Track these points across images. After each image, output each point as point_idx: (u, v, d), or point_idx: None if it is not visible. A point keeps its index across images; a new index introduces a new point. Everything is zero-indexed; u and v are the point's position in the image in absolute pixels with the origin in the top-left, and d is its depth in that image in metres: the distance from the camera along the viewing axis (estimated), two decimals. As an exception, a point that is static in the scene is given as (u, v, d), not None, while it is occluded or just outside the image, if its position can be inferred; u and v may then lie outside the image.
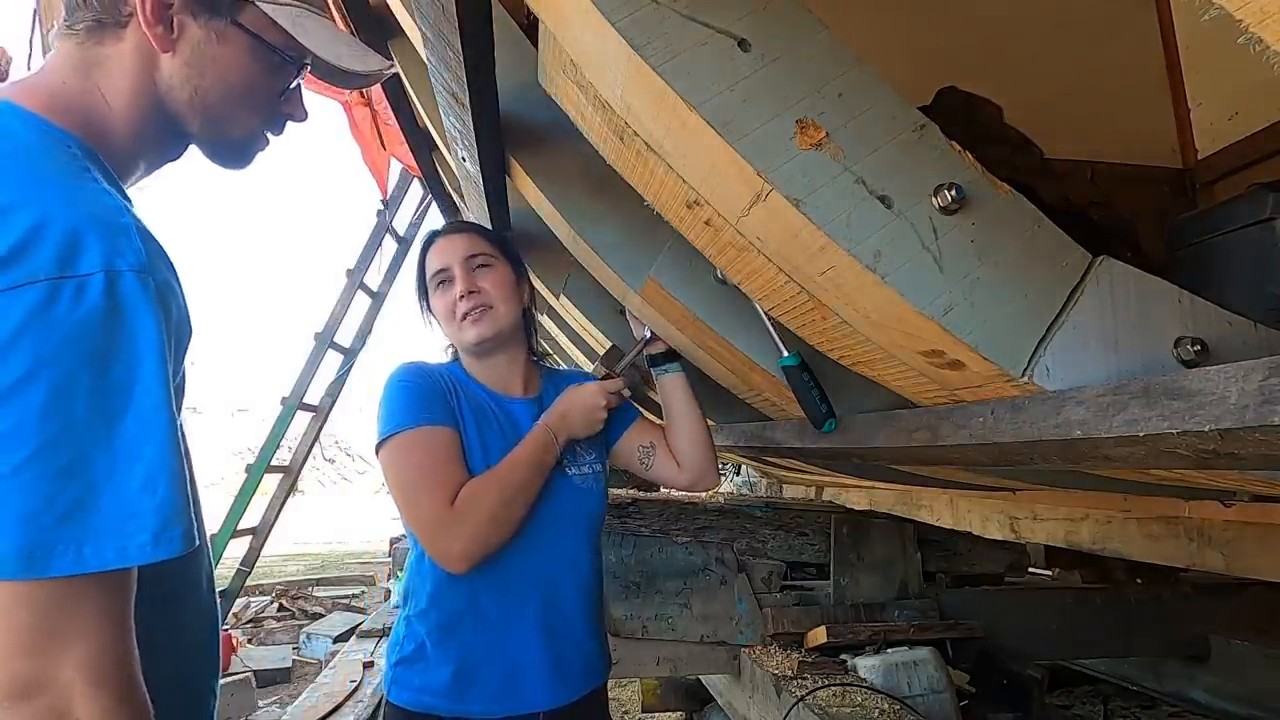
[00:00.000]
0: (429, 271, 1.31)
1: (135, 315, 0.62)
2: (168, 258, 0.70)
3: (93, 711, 0.58)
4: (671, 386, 1.42)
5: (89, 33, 0.76)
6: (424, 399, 1.20)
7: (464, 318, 1.26)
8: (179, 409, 0.76)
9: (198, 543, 0.66)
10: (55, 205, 0.62)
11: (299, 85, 0.87)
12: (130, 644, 0.63)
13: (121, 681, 0.61)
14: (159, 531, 0.61)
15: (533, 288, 1.42)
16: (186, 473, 0.65)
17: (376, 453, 1.20)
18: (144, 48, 0.76)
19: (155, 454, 0.61)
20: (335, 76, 0.88)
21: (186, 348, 0.72)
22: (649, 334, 1.47)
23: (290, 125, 0.90)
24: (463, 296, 1.26)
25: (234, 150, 0.85)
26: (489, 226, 1.52)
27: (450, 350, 1.38)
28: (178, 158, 0.86)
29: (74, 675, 0.58)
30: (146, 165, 0.83)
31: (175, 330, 0.67)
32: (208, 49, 0.77)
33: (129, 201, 0.76)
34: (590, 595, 1.30)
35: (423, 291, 1.34)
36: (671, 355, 1.43)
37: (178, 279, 0.70)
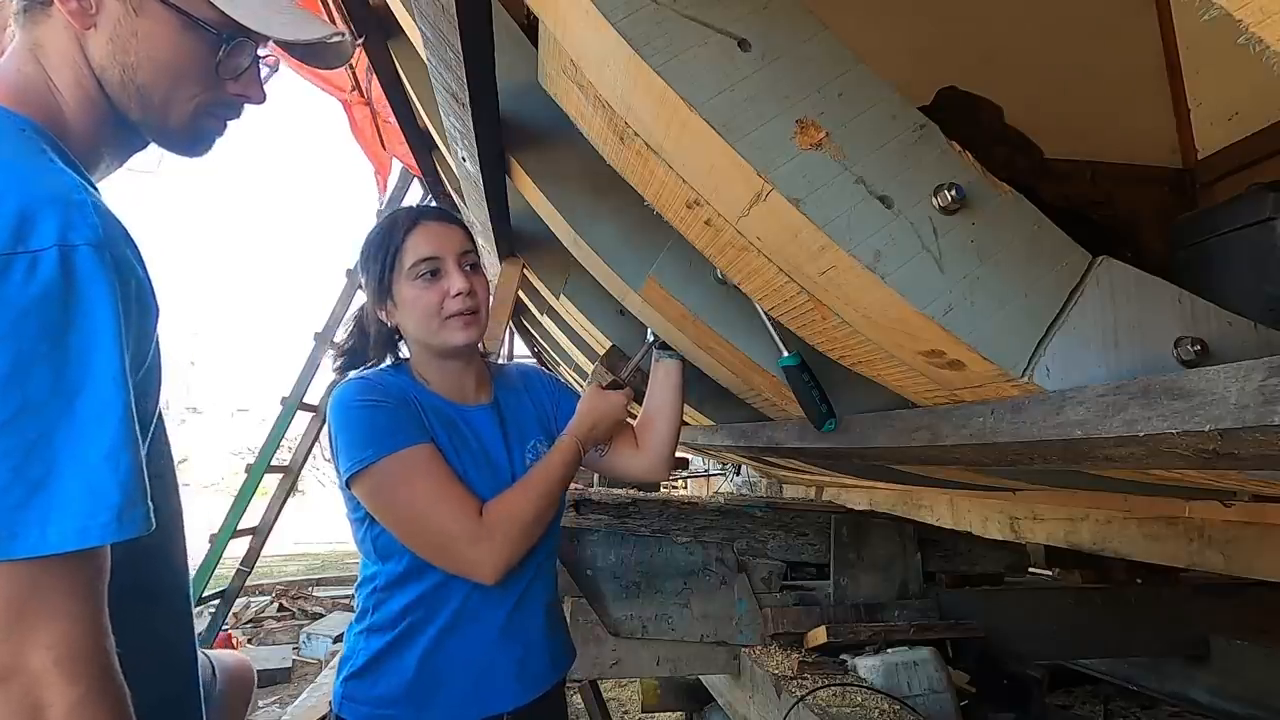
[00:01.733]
0: (411, 255, 1.17)
1: (91, 289, 0.60)
2: (128, 235, 0.68)
3: (66, 699, 0.57)
4: (670, 372, 1.41)
5: (25, 14, 0.75)
6: (400, 417, 1.13)
7: (453, 317, 1.17)
8: (159, 389, 0.74)
9: (154, 526, 0.63)
10: (7, 182, 0.61)
11: (253, 64, 0.82)
12: (103, 627, 0.61)
13: (95, 666, 0.59)
14: (122, 509, 0.59)
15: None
16: (143, 453, 0.63)
17: (351, 480, 1.10)
18: (70, 27, 0.74)
19: (115, 430, 0.60)
20: (286, 50, 0.84)
21: (154, 325, 0.70)
22: (652, 337, 1.47)
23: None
24: (459, 294, 1.16)
25: (182, 136, 0.81)
26: (490, 226, 1.50)
27: (343, 361, 1.28)
28: (142, 148, 0.83)
29: (45, 661, 0.56)
30: (110, 157, 0.81)
31: (137, 306, 0.66)
32: (127, 23, 0.74)
33: (94, 188, 0.74)
34: (551, 591, 1.28)
35: (386, 272, 1.19)
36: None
37: (139, 256, 0.68)
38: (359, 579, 1.22)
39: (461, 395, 1.25)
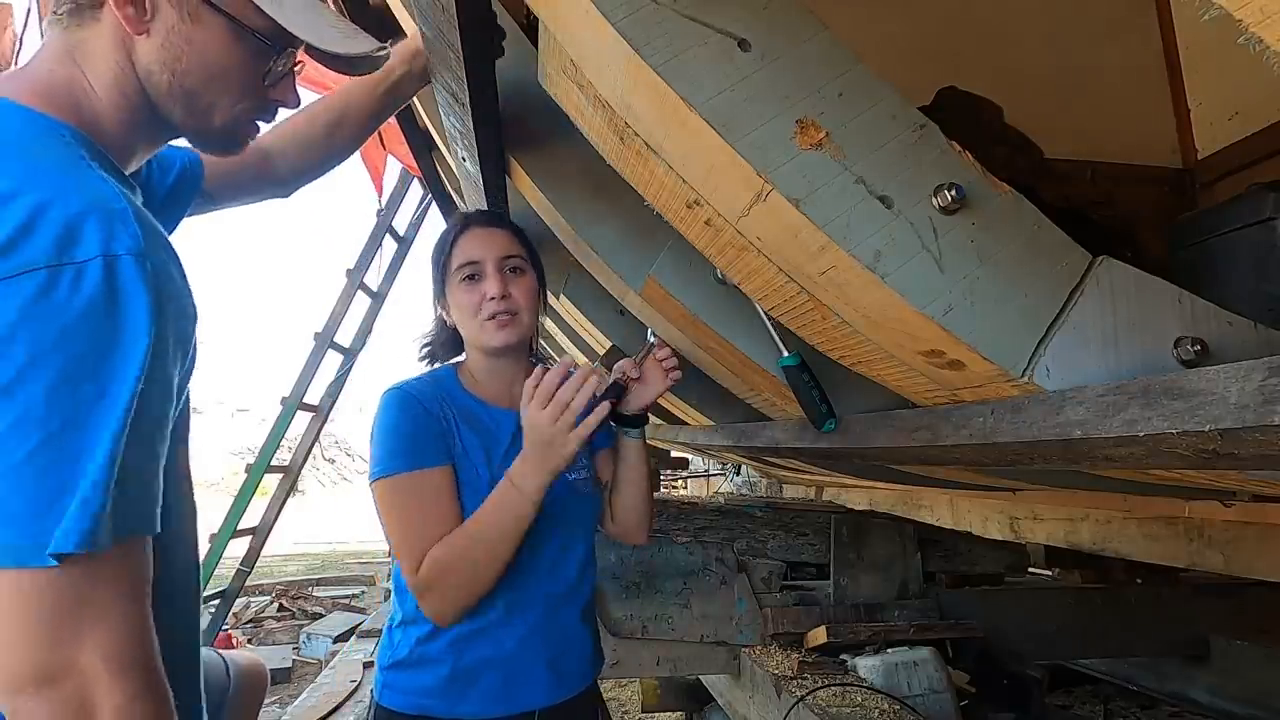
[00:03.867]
0: (456, 259, 1.24)
1: (133, 300, 0.62)
2: (167, 242, 0.69)
3: (115, 698, 0.59)
4: (630, 450, 1.33)
5: (70, 16, 0.75)
6: (414, 436, 1.16)
7: (490, 319, 1.21)
8: (183, 393, 0.75)
9: (158, 529, 0.66)
10: (52, 193, 0.62)
11: (289, 70, 0.84)
12: (148, 627, 0.63)
13: (142, 665, 0.62)
14: (155, 506, 0.62)
15: (547, 294, 1.36)
16: (150, 467, 0.66)
17: (371, 487, 1.17)
18: (120, 31, 0.74)
19: (148, 435, 0.62)
20: (325, 60, 0.85)
21: (193, 329, 0.72)
22: (653, 338, 1.47)
23: (283, 112, 0.87)
24: (493, 298, 1.21)
25: (221, 137, 0.83)
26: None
27: (424, 351, 1.34)
28: (173, 139, 0.85)
29: (94, 660, 0.59)
30: (142, 153, 0.82)
31: (177, 311, 0.67)
32: (182, 30, 0.75)
33: (130, 189, 0.75)
34: (587, 594, 1.29)
35: (441, 276, 1.27)
36: (641, 418, 1.31)
37: (178, 263, 0.70)
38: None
39: (507, 397, 1.27)
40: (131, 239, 0.63)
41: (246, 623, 7.04)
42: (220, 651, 1.11)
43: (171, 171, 1.03)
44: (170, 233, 1.03)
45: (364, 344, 5.93)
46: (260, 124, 0.86)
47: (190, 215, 1.08)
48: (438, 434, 1.17)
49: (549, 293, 1.93)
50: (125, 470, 0.61)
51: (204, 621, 5.22)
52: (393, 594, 1.27)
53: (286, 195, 1.22)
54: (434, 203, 3.12)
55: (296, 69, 0.86)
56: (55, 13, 0.76)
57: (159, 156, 1.02)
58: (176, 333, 0.67)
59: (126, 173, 0.80)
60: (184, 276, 0.70)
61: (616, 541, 2.25)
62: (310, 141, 1.18)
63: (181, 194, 1.04)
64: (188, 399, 0.80)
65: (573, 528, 1.25)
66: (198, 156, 1.06)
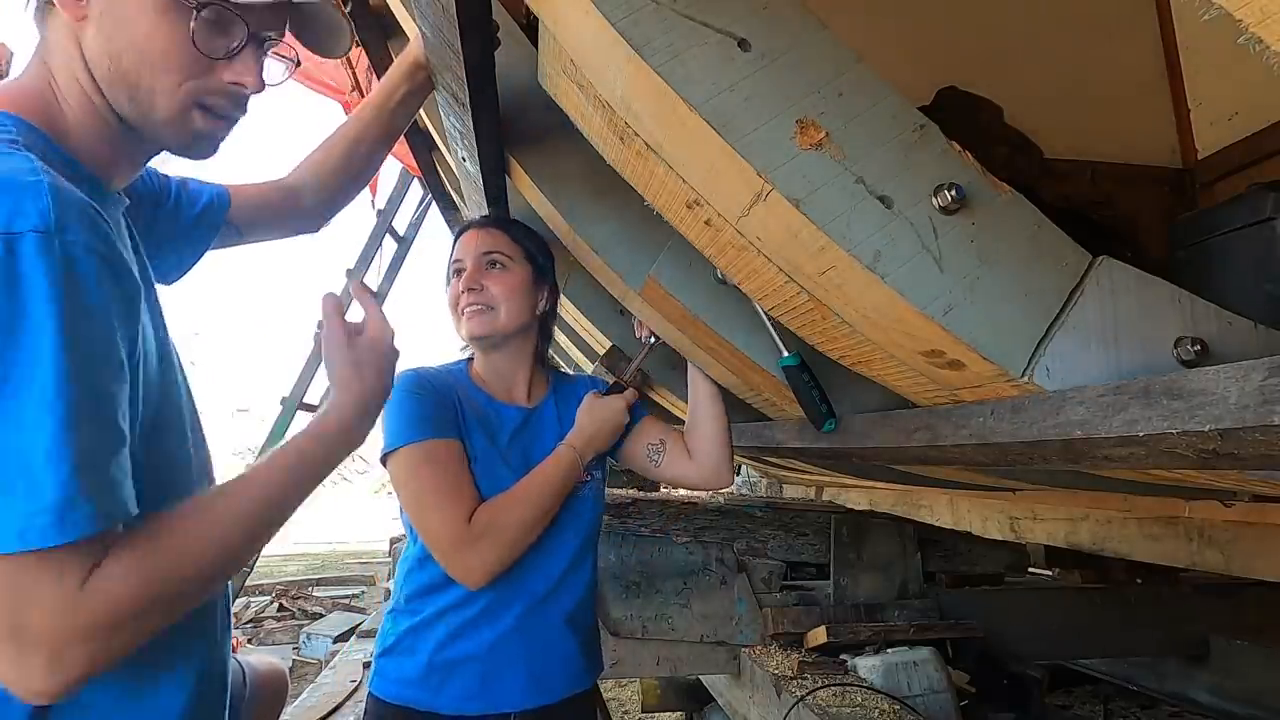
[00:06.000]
0: (450, 260, 1.34)
1: (34, 279, 0.58)
2: (92, 217, 0.64)
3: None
4: (700, 376, 1.41)
5: (36, 15, 0.74)
6: (430, 410, 1.20)
7: (461, 311, 1.28)
8: (163, 378, 0.73)
9: (130, 514, 0.62)
10: None
11: (244, 46, 0.77)
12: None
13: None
14: (63, 510, 0.58)
15: (556, 295, 1.38)
16: (108, 445, 0.61)
17: (383, 462, 1.20)
18: (69, 24, 0.72)
19: (58, 427, 0.58)
20: (251, 13, 0.78)
21: (134, 307, 0.67)
22: (654, 339, 1.47)
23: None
24: (464, 291, 1.27)
25: (174, 130, 0.77)
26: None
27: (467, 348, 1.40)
28: (156, 152, 0.81)
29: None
30: (123, 163, 0.79)
31: (114, 289, 0.64)
32: (111, 9, 0.72)
33: (104, 200, 0.72)
34: (580, 600, 1.29)
35: (447, 279, 1.36)
36: None
37: (104, 237, 0.65)
38: (402, 557, 1.30)
39: (508, 394, 1.33)
40: (39, 215, 0.59)
41: (246, 623, 7.04)
42: (237, 656, 1.11)
43: (199, 202, 1.03)
44: (196, 260, 1.04)
45: (364, 344, 5.91)
46: (229, 120, 0.80)
47: (221, 247, 1.08)
48: (451, 411, 1.22)
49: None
50: (80, 456, 0.58)
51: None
52: (395, 578, 1.29)
53: (316, 230, 1.23)
54: (434, 203, 3.12)
55: (284, 53, 0.83)
56: (31, 17, 0.74)
57: (188, 187, 1.02)
58: (121, 309, 0.64)
59: (115, 188, 0.77)
60: (116, 251, 0.66)
61: (617, 540, 2.26)
62: (329, 170, 1.18)
63: (206, 223, 1.04)
64: (181, 389, 0.78)
65: (569, 531, 1.25)
66: (225, 190, 1.07)
